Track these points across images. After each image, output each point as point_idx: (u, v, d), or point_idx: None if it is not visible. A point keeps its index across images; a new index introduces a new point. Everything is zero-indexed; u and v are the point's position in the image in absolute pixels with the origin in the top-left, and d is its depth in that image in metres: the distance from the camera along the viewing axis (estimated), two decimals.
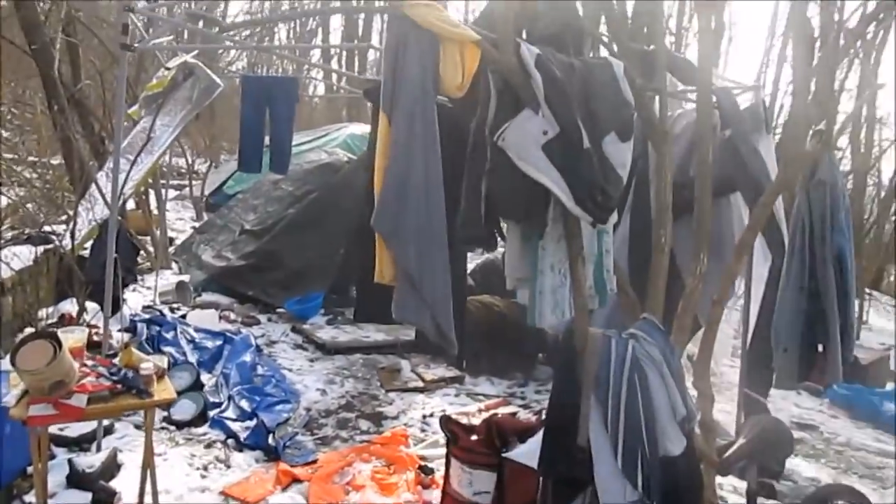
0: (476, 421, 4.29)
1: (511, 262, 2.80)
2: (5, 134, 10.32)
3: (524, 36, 2.85)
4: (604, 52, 3.84)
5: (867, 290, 12.30)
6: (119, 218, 4.80)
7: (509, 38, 2.47)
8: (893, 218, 14.77)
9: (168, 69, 5.36)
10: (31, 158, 8.55)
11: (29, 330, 5.46)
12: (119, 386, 3.14)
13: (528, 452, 3.67)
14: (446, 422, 4.43)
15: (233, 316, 7.10)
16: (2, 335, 5.02)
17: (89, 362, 3.29)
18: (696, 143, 3.93)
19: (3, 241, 6.48)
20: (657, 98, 3.40)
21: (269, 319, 7.31)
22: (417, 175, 2.50)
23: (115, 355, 3.92)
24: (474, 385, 6.05)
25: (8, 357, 4.48)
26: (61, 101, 7.27)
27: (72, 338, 3.31)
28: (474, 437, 4.16)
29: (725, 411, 4.91)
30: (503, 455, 3.58)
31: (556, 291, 2.74)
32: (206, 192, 13.23)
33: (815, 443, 5.90)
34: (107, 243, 4.22)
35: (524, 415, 4.43)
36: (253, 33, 16.90)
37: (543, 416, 4.01)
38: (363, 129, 11.99)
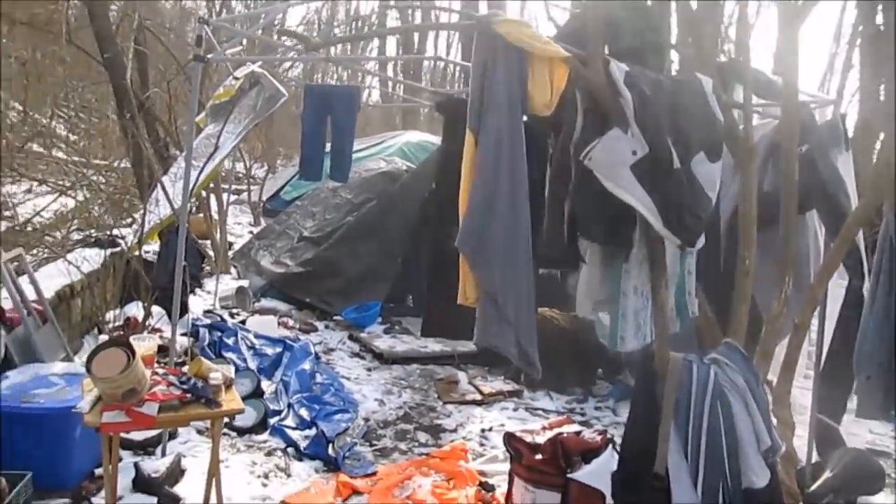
0: (540, 439, 4.20)
1: (591, 286, 2.72)
2: (73, 137, 10.65)
3: (606, 52, 2.78)
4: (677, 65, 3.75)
5: None
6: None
7: (599, 55, 2.40)
8: None
9: (237, 78, 5.41)
10: (96, 162, 8.77)
11: (98, 334, 5.60)
12: (188, 395, 3.15)
13: (593, 473, 3.58)
14: (510, 439, 4.35)
15: (291, 322, 7.14)
16: (71, 337, 5.13)
17: (160, 371, 3.33)
18: (774, 159, 3.80)
19: (72, 244, 6.66)
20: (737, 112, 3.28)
21: (327, 327, 7.34)
22: (504, 195, 2.43)
23: (183, 363, 3.96)
24: (533, 399, 5.95)
25: (78, 360, 4.61)
26: (132, 108, 7.46)
27: (143, 346, 3.34)
28: (539, 456, 4.08)
29: (798, 436, 4.72)
30: (568, 476, 3.49)
31: (639, 314, 2.65)
32: (264, 198, 13.42)
33: (889, 472, 5.65)
34: (174, 249, 4.27)
35: (589, 434, 4.32)
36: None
37: (608, 436, 3.92)
38: (419, 136, 12.01)
